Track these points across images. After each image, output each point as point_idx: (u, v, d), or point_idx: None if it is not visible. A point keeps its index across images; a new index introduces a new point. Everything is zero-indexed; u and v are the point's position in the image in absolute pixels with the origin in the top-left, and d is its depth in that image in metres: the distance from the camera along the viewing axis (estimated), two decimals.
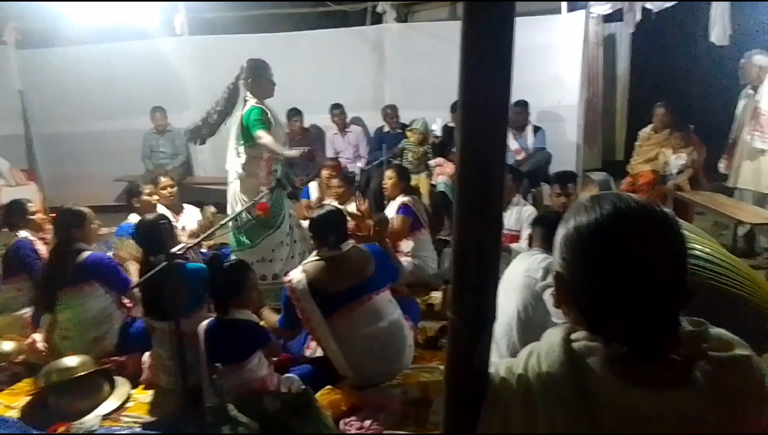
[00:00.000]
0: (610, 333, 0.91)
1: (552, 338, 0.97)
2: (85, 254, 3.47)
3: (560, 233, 0.98)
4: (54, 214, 3.83)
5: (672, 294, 0.90)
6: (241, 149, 4.23)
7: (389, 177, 4.87)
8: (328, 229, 3.15)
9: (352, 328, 3.01)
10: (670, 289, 0.90)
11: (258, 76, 4.17)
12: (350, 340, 3.01)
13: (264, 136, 4.06)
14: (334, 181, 5.31)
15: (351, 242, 3.25)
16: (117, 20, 6.95)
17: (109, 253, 4.12)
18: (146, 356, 3.34)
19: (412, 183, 5.52)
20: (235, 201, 4.33)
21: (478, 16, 0.82)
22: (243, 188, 4.29)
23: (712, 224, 5.69)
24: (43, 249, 3.97)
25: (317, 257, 3.14)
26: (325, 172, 5.67)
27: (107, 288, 3.51)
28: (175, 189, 4.92)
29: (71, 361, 3.11)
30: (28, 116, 7.79)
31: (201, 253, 4.56)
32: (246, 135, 4.16)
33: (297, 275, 3.08)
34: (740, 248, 5.05)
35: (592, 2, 6.70)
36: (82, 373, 3.04)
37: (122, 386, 3.20)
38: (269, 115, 4.16)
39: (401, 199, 4.72)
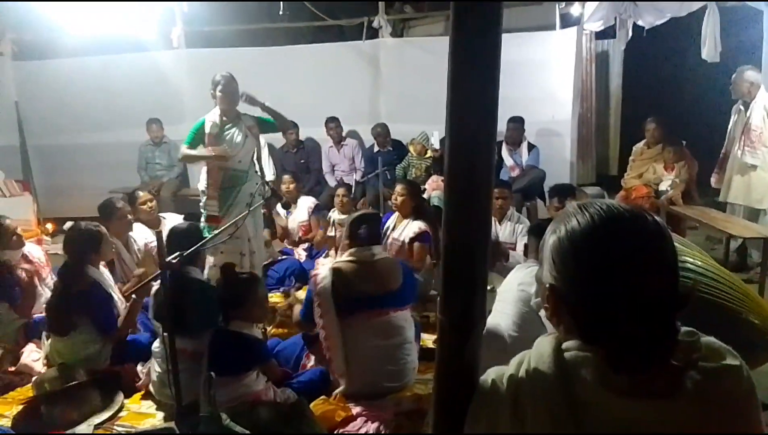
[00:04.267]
0: (606, 342, 0.90)
1: (542, 347, 0.97)
2: (89, 284, 3.39)
3: (549, 244, 0.96)
4: (68, 230, 3.68)
5: (667, 298, 0.90)
6: None
7: (400, 193, 4.59)
8: (362, 229, 3.15)
9: (364, 337, 2.99)
10: (665, 293, 0.90)
11: (216, 89, 4.25)
12: (358, 348, 2.99)
13: (181, 150, 4.34)
14: (340, 191, 5.45)
15: (384, 253, 3.27)
16: (114, 32, 6.98)
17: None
18: (140, 366, 3.34)
19: None
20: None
21: (466, 22, 0.85)
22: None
23: (705, 238, 5.74)
24: (22, 273, 3.87)
25: (350, 258, 3.13)
26: (283, 186, 5.70)
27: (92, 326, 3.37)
28: (153, 203, 4.75)
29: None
30: (24, 127, 7.79)
31: None
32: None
33: (323, 272, 3.08)
34: (732, 262, 5.09)
35: (584, 17, 6.78)
36: (75, 383, 3.03)
37: (115, 396, 3.19)
38: (211, 126, 4.24)
39: (417, 223, 4.47)
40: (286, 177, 5.85)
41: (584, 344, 0.92)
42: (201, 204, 4.34)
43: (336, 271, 3.06)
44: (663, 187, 5.75)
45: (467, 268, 0.92)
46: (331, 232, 5.29)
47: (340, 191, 5.43)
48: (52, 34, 7.27)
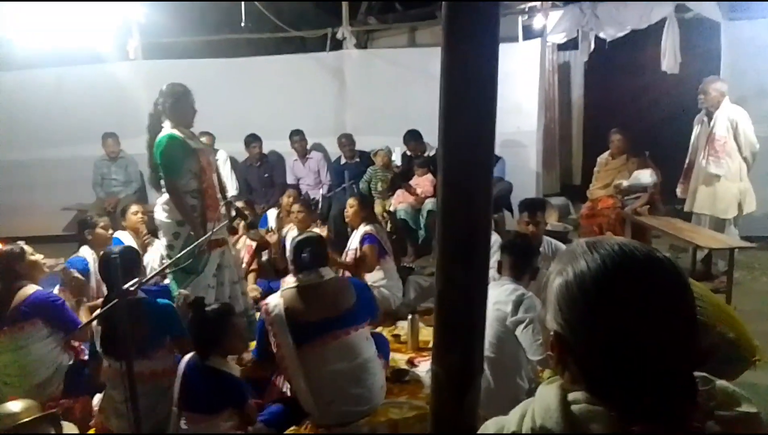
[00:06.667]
0: (619, 396, 0.83)
1: (548, 399, 0.88)
2: (29, 291, 3.25)
3: (555, 287, 0.89)
4: None
5: (686, 350, 0.83)
6: (162, 182, 3.81)
7: (351, 205, 4.80)
8: (305, 253, 3.08)
9: (325, 363, 2.89)
10: (684, 344, 0.83)
11: (175, 101, 3.78)
12: (321, 375, 2.88)
13: (172, 192, 3.70)
14: (295, 207, 5.18)
15: (332, 272, 3.18)
16: (68, 44, 6.72)
17: (55, 289, 3.87)
18: (96, 399, 3.14)
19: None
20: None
21: (459, 46, 0.76)
22: (163, 229, 3.85)
23: (668, 247, 5.79)
24: None
25: (296, 284, 3.04)
26: (286, 199, 5.58)
27: (51, 328, 3.27)
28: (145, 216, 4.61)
29: (14, 406, 2.87)
30: None
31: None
32: (162, 168, 3.76)
33: (274, 300, 2.99)
34: (698, 271, 5.14)
35: (547, 30, 6.84)
36: (27, 419, 2.82)
37: (69, 432, 2.99)
38: (183, 144, 3.73)
39: (364, 227, 4.63)
40: (290, 190, 5.99)
41: (593, 397, 0.84)
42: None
43: (286, 298, 2.96)
44: (644, 179, 5.69)
45: (464, 316, 0.82)
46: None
47: (296, 207, 5.13)
48: (1, 46, 6.95)
